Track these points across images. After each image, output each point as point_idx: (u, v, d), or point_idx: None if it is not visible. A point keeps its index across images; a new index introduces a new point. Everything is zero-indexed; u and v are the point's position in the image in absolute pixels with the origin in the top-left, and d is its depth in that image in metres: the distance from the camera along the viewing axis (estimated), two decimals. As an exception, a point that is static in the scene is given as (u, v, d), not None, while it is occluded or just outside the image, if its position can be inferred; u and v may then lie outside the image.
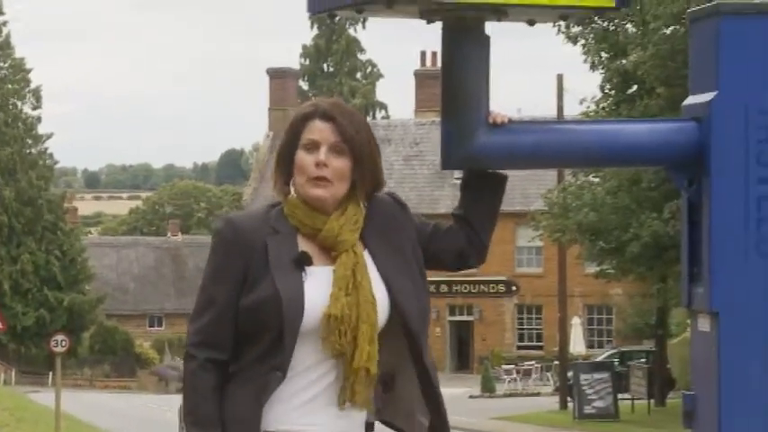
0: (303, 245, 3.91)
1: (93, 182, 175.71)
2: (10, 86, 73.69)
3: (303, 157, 3.89)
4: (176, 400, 47.42)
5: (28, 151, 73.57)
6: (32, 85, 74.61)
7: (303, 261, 3.87)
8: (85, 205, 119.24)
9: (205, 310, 3.91)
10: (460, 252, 4.11)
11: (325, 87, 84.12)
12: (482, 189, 4.12)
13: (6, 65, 74.18)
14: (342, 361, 3.84)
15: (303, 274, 3.86)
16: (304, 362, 3.85)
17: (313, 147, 3.88)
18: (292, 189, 3.94)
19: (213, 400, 3.85)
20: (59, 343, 29.06)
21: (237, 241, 3.90)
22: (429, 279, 4.06)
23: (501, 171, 4.10)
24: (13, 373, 60.82)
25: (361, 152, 3.91)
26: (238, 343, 3.89)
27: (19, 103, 74.23)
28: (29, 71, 74.62)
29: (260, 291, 3.84)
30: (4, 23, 74.41)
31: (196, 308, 3.94)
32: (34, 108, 74.65)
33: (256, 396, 3.82)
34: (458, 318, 66.28)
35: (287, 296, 3.81)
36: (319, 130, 3.89)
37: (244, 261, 3.88)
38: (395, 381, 3.99)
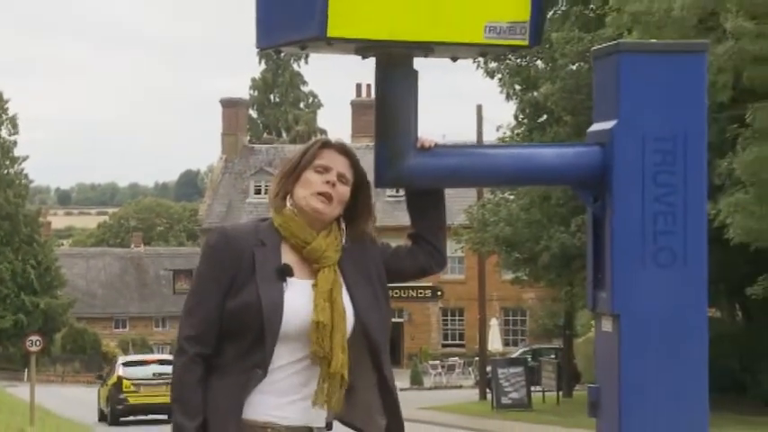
0: (286, 256, 3.93)
1: (64, 199, 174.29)
2: (-11, 112, 73.72)
3: (313, 176, 3.94)
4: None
5: (5, 171, 73.32)
6: (9, 114, 74.45)
7: (285, 272, 3.89)
8: (58, 220, 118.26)
9: (196, 309, 3.91)
10: (421, 267, 4.14)
11: (272, 116, 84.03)
12: (426, 207, 4.13)
13: (-13, 95, 73.95)
14: (316, 364, 3.87)
15: (284, 284, 3.87)
16: (280, 361, 3.86)
17: (324, 171, 3.93)
18: (288, 203, 3.95)
19: (198, 392, 3.85)
20: (34, 343, 29.09)
21: (227, 250, 3.91)
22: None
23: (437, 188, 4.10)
24: (-8, 371, 60.18)
25: (362, 186, 4.02)
26: (221, 340, 3.89)
27: (-6, 129, 74.16)
28: (6, 101, 74.41)
29: (244, 296, 3.85)
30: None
31: (187, 307, 3.95)
32: (11, 134, 74.61)
33: (238, 390, 3.83)
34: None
35: (268, 303, 3.83)
36: (333, 159, 3.95)
37: (232, 268, 3.88)
38: (355, 386, 3.99)
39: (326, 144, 4.00)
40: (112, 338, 78.08)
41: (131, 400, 32.53)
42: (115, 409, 33.09)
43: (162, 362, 34.84)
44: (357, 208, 4.02)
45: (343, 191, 3.96)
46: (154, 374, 33.26)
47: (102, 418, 34.39)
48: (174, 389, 3.93)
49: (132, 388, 32.65)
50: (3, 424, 22.49)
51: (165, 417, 29.57)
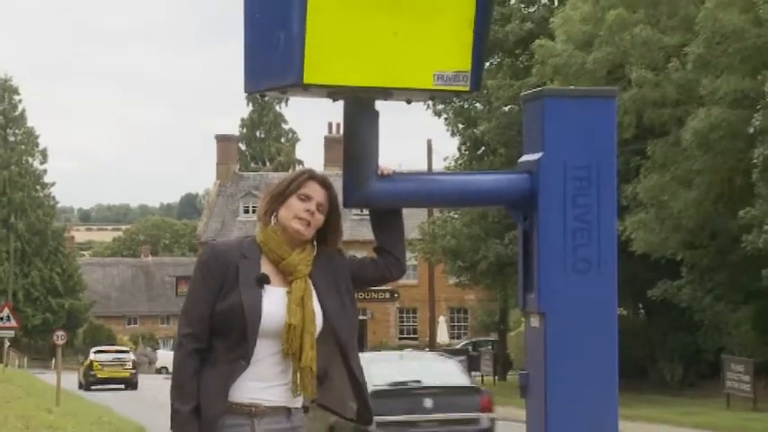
0: (265, 267, 3.94)
1: (85, 217, 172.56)
2: (23, 147, 73.24)
3: (296, 203, 3.95)
4: (146, 378, 46.92)
5: (36, 194, 73.03)
6: (40, 147, 74.21)
7: (263, 281, 3.91)
8: (80, 235, 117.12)
9: (192, 310, 3.93)
10: (383, 275, 4.12)
11: (258, 149, 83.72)
12: (386, 224, 4.11)
13: (21, 132, 73.50)
14: (290, 358, 3.88)
15: (262, 290, 3.89)
16: (261, 354, 3.87)
17: (306, 199, 3.95)
18: (273, 221, 3.97)
19: (194, 381, 3.86)
20: (60, 337, 28.97)
21: (216, 263, 3.93)
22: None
23: (396, 208, 4.08)
24: (25, 360, 59.63)
25: (333, 215, 4.01)
26: (212, 337, 3.90)
27: (30, 159, 73.65)
28: (38, 136, 74.16)
29: (230, 300, 3.87)
30: (20, 101, 73.83)
31: (184, 309, 3.97)
32: (41, 164, 74.44)
33: (225, 377, 3.85)
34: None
35: (249, 306, 3.85)
36: (316, 190, 3.97)
37: (220, 276, 3.91)
38: (327, 376, 4.00)
39: (312, 177, 4.02)
40: (125, 333, 77.59)
41: (98, 375, 41.00)
42: (88, 380, 40.99)
43: (119, 351, 44.92)
44: (328, 230, 4.02)
45: (319, 218, 3.98)
46: (113, 359, 42.03)
47: (80, 386, 40.31)
48: (174, 377, 3.95)
49: (99, 367, 41.36)
50: (33, 404, 22.29)
51: (120, 386, 39.98)
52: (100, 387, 39.52)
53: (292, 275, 3.94)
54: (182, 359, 3.90)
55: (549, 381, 3.84)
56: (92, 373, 41.05)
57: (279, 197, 3.99)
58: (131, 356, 44.02)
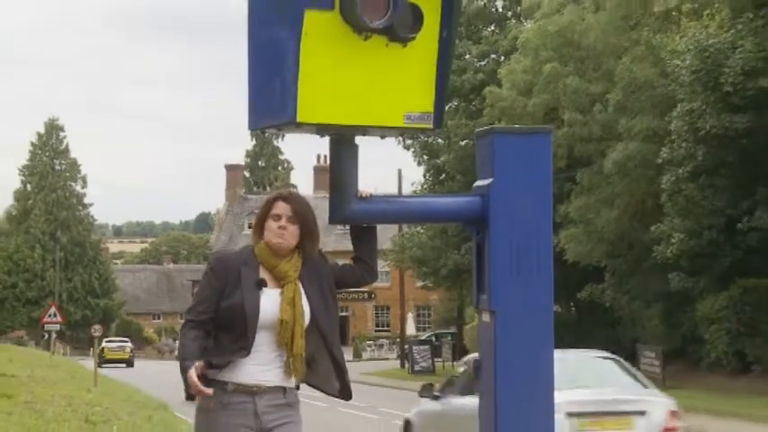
0: (262, 273, 3.95)
1: (118, 232, 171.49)
2: (68, 174, 73.09)
3: (271, 223, 3.96)
4: (168, 364, 46.86)
5: (78, 213, 72.67)
6: (82, 173, 74.04)
7: (261, 284, 3.91)
8: (113, 246, 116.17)
9: (197, 305, 3.94)
10: (358, 279, 4.11)
11: (259, 175, 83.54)
12: (363, 237, 4.09)
13: (66, 162, 73.42)
14: (284, 347, 3.88)
15: (261, 292, 3.89)
16: (259, 344, 3.87)
17: (277, 218, 3.95)
18: (263, 241, 3.98)
19: (194, 344, 3.85)
20: (96, 330, 28.94)
21: (220, 267, 3.95)
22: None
23: (371, 224, 4.07)
24: (69, 349, 59.15)
25: (305, 223, 3.99)
26: (218, 331, 3.89)
27: (73, 184, 73.39)
28: (79, 166, 73.94)
29: (233, 299, 3.86)
30: (65, 137, 73.72)
31: (192, 303, 3.99)
32: (82, 188, 74.12)
33: (227, 357, 3.85)
34: (340, 314, 65.85)
35: (248, 305, 3.85)
36: (282, 207, 3.97)
37: (223, 279, 3.91)
38: (314, 360, 4.00)
39: (277, 198, 4.02)
40: (151, 327, 77.18)
41: (107, 357, 47.91)
42: (100, 360, 41.25)
43: (122, 341, 53.48)
44: (304, 237, 4.00)
45: (293, 228, 3.96)
46: (117, 346, 51.27)
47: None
48: (179, 351, 3.92)
49: (108, 351, 49.12)
50: (75, 385, 22.12)
51: (122, 365, 47.72)
52: (108, 365, 44.78)
53: (284, 280, 3.94)
54: (181, 334, 3.95)
55: (497, 364, 3.82)
56: (103, 355, 45.76)
57: (259, 223, 4.01)
58: (130, 345, 52.37)
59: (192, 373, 3.76)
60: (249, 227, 67.04)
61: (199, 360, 3.81)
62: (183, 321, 4.04)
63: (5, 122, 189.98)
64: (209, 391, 3.78)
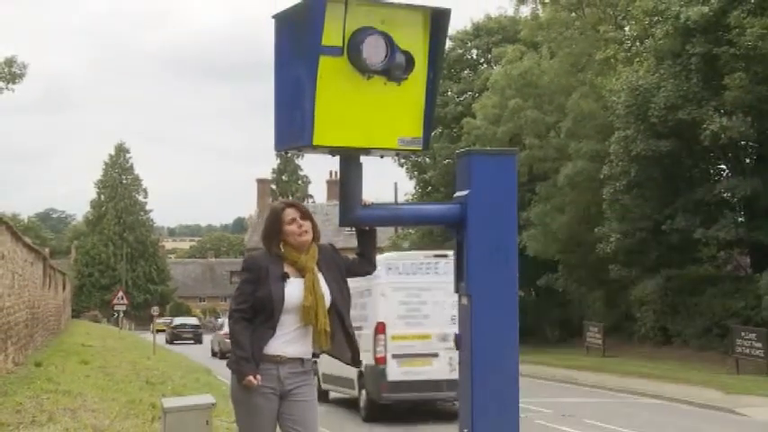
0: (286, 268, 3.94)
1: (171, 233, 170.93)
2: (133, 187, 73.05)
3: (291, 228, 3.95)
4: (209, 338, 46.52)
5: (141, 218, 72.62)
6: (143, 186, 73.98)
7: (285, 277, 3.91)
8: (168, 244, 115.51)
9: (239, 297, 3.94)
10: (361, 271, 4.09)
11: (284, 188, 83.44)
12: (365, 238, 4.06)
13: (131, 177, 73.38)
14: (309, 326, 3.89)
15: (285, 283, 3.90)
16: (284, 324, 3.87)
17: (293, 221, 3.95)
18: (281, 247, 3.97)
19: (246, 334, 3.85)
20: (154, 311, 29.05)
21: (253, 265, 3.95)
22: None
23: (373, 227, 4.04)
24: (133, 325, 59.05)
25: (310, 218, 4.05)
26: (254, 314, 3.89)
27: (136, 195, 73.36)
28: (142, 180, 73.95)
29: (264, 290, 3.87)
30: (130, 157, 73.61)
31: (235, 295, 3.98)
32: (144, 198, 73.96)
33: (260, 339, 3.85)
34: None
35: (275, 295, 3.86)
36: (292, 212, 3.99)
37: (256, 275, 3.91)
38: (334, 335, 3.98)
39: (285, 207, 4.03)
40: (197, 308, 76.97)
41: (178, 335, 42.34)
42: (172, 337, 41.81)
43: (171, 322, 46.97)
44: (313, 227, 4.05)
45: (307, 224, 3.99)
46: (176, 325, 44.26)
47: (167, 341, 40.48)
48: (232, 337, 3.92)
49: (164, 328, 44.64)
50: (138, 354, 22.05)
51: (191, 342, 41.00)
52: (179, 342, 40.76)
53: (304, 270, 3.93)
54: (235, 323, 3.92)
55: (474, 339, 3.78)
56: (158, 329, 45.09)
57: (275, 234, 3.97)
58: (197, 323, 46.46)
59: (251, 380, 3.79)
60: (276, 228, 67.21)
61: (249, 354, 3.81)
62: (228, 311, 4.04)
63: (83, 146, 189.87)
64: (257, 381, 3.80)
